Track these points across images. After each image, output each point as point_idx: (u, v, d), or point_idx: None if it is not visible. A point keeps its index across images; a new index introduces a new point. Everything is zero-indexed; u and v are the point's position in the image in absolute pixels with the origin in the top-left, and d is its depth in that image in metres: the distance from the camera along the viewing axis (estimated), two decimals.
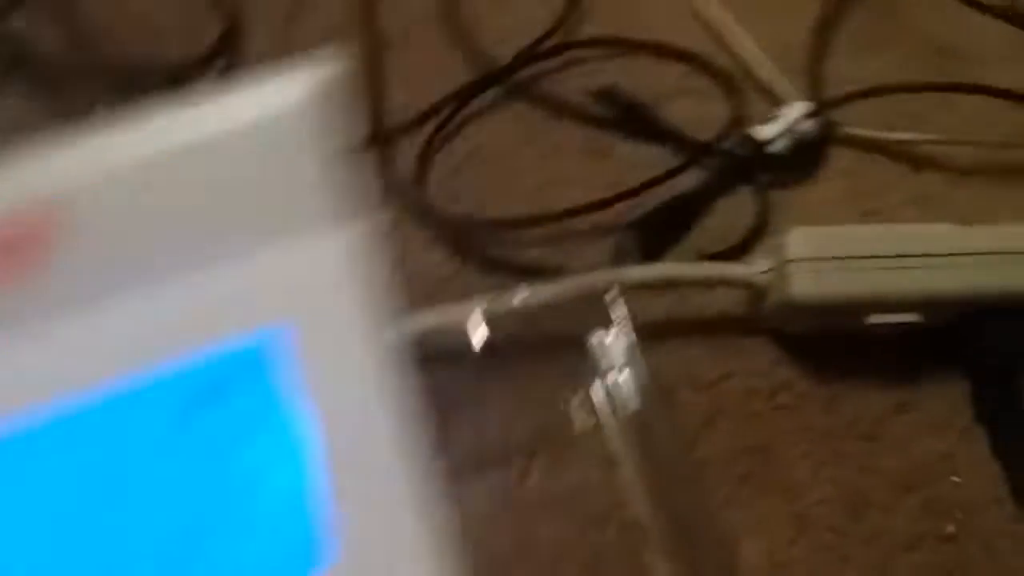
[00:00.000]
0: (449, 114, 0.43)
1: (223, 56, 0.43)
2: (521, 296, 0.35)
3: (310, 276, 0.17)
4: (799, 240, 0.36)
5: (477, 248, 0.41)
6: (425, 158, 0.43)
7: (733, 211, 0.43)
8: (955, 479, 0.38)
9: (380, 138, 0.43)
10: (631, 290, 0.39)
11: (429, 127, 0.43)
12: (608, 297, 0.36)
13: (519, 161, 0.44)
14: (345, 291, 0.16)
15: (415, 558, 0.16)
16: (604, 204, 0.42)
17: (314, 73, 0.17)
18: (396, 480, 0.16)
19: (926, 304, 0.36)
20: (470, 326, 0.35)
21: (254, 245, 0.17)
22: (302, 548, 0.16)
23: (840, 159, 0.45)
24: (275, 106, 0.17)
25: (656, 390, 0.35)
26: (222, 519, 0.16)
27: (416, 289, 0.40)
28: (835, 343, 0.39)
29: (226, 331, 0.17)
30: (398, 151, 0.43)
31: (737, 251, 0.42)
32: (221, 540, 0.16)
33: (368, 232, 0.17)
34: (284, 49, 0.44)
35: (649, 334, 0.39)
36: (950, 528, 0.37)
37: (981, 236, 0.37)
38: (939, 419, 0.39)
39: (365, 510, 0.16)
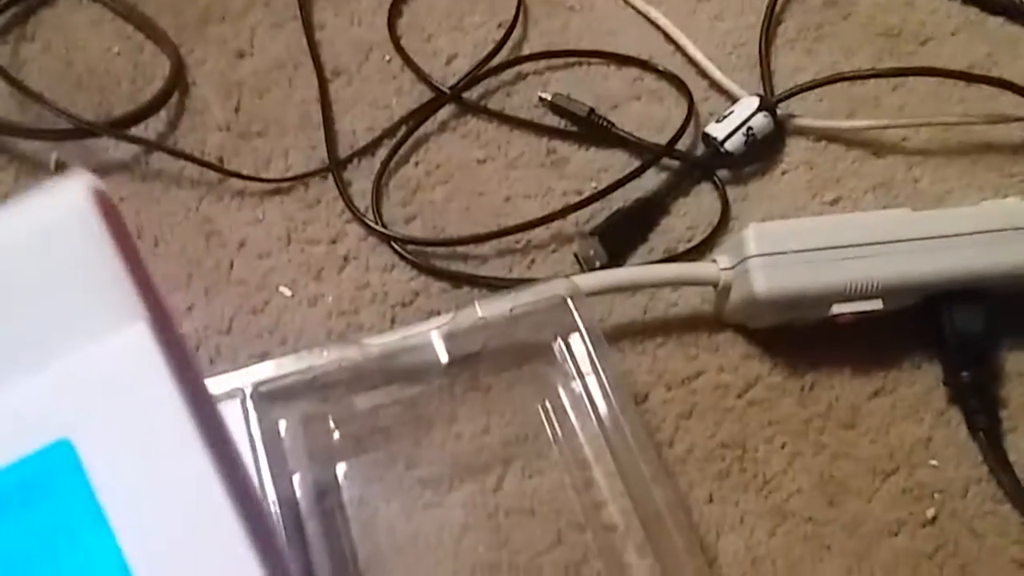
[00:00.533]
0: (403, 136, 0.44)
1: (171, 98, 0.43)
2: (485, 311, 0.35)
3: (94, 384, 0.17)
4: (757, 236, 0.36)
5: (439, 266, 0.41)
6: (381, 181, 0.43)
7: (695, 210, 0.43)
8: (933, 463, 0.38)
9: (335, 166, 0.43)
10: (598, 294, 0.39)
11: (383, 151, 0.43)
12: (573, 303, 0.36)
13: (477, 178, 0.44)
14: (132, 394, 0.16)
15: None
16: (563, 213, 0.42)
17: (73, 190, 0.17)
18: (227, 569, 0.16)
19: (887, 290, 0.36)
20: (436, 342, 0.35)
21: (32, 360, 0.17)
22: None
23: (798, 150, 0.45)
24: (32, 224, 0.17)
25: (626, 392, 0.35)
26: None
27: (380, 310, 0.40)
28: (805, 335, 0.39)
29: (14, 445, 0.17)
30: (354, 177, 0.43)
31: (702, 250, 0.42)
32: None
33: (146, 333, 0.17)
34: (230, 89, 0.45)
35: (619, 335, 0.40)
36: (930, 512, 0.37)
37: (937, 220, 0.37)
38: (914, 403, 0.39)
39: None
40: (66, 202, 0.17)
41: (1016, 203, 0.38)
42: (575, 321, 0.35)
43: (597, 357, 0.35)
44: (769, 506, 0.36)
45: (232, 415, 0.31)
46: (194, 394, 0.17)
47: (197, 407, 0.17)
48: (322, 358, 0.33)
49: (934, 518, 0.36)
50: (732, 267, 0.37)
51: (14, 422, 0.16)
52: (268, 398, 0.34)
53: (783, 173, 0.45)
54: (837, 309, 0.36)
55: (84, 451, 0.16)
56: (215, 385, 0.32)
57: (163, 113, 0.43)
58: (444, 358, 0.35)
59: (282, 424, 0.34)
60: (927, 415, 0.38)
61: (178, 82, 0.44)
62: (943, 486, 0.37)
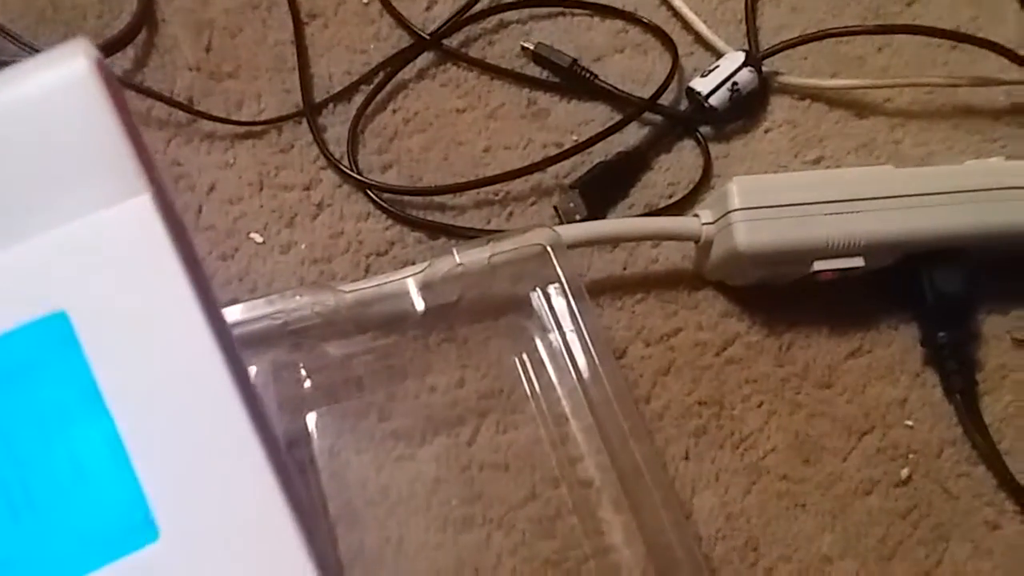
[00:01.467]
0: (380, 83, 0.42)
1: (139, 34, 0.41)
2: (463, 258, 0.34)
3: (94, 256, 0.16)
4: (741, 190, 0.36)
5: (416, 216, 0.40)
6: (357, 128, 0.42)
7: (677, 166, 0.43)
8: (908, 423, 0.38)
9: (309, 110, 0.41)
10: (578, 248, 0.38)
11: (360, 97, 0.42)
12: (553, 254, 0.35)
13: (456, 127, 0.43)
14: (134, 268, 0.16)
15: (244, 537, 0.15)
16: (544, 165, 0.41)
17: (73, 55, 0.16)
18: (218, 457, 0.15)
19: (869, 247, 0.36)
20: (412, 290, 0.35)
21: (29, 226, 0.16)
22: (119, 528, 0.15)
23: (781, 109, 0.44)
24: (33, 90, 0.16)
25: (606, 345, 0.35)
26: (34, 498, 0.15)
27: (355, 259, 0.39)
28: (783, 294, 0.39)
29: (14, 313, 0.16)
30: (329, 123, 0.42)
31: (683, 206, 0.41)
32: (34, 517, 0.15)
33: (149, 206, 0.16)
34: (201, 28, 0.43)
35: (598, 291, 0.39)
36: (905, 471, 0.37)
37: (921, 178, 0.37)
38: (891, 364, 0.39)
39: (183, 489, 0.15)
40: (67, 67, 0.16)
41: (1000, 163, 0.38)
42: (555, 272, 0.35)
43: (578, 310, 0.34)
44: (744, 464, 0.36)
45: None
46: (196, 276, 0.16)
47: (200, 287, 0.16)
48: (294, 302, 0.32)
49: (908, 478, 0.36)
50: (714, 222, 0.37)
51: (7, 290, 0.15)
52: (238, 344, 0.33)
53: (766, 131, 0.44)
54: (818, 266, 0.36)
55: (80, 325, 0.15)
56: None
57: (130, 50, 0.42)
58: (420, 306, 0.34)
59: (251, 370, 0.33)
60: (903, 376, 0.38)
61: (146, 18, 0.42)
62: (918, 446, 0.37)
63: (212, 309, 0.16)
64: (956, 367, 0.38)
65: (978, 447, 0.37)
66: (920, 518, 0.36)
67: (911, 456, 0.37)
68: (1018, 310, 0.40)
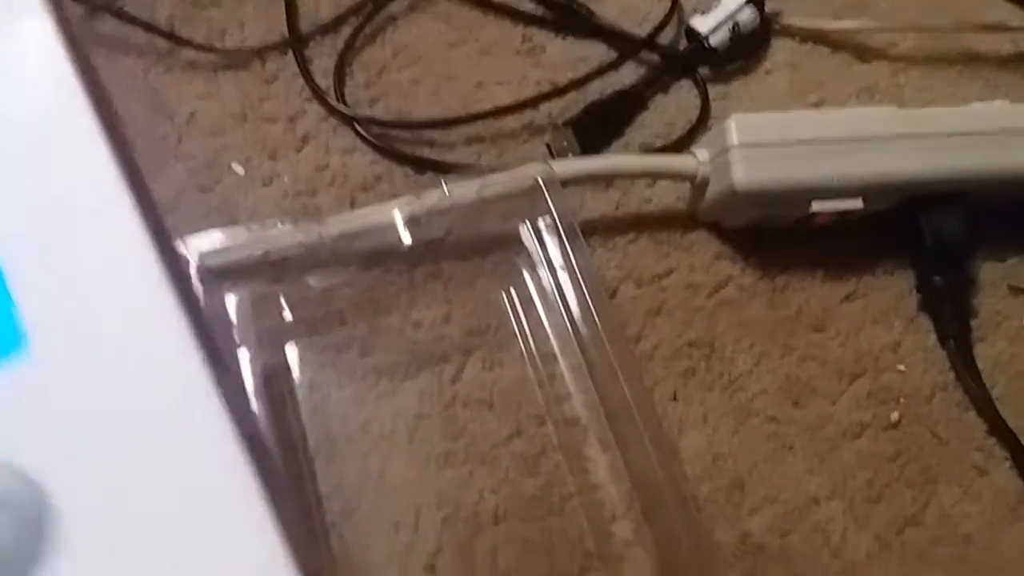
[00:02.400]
0: (369, 14, 0.41)
1: None
2: (453, 192, 0.33)
3: None
4: (740, 127, 0.35)
5: (403, 151, 0.39)
6: (345, 60, 0.40)
7: (673, 106, 0.42)
8: (900, 368, 0.37)
9: (295, 40, 0.40)
10: (570, 187, 0.37)
11: (348, 29, 0.41)
12: (546, 188, 0.34)
13: (448, 62, 0.41)
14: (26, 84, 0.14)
15: (137, 357, 0.14)
16: (537, 101, 0.40)
17: None
18: (112, 272, 0.14)
19: (868, 188, 0.35)
20: (399, 222, 0.34)
21: None
22: None
23: (782, 50, 0.43)
24: None
25: (598, 283, 0.34)
26: None
27: (339, 193, 0.38)
28: (778, 236, 0.38)
29: None
30: (315, 54, 0.41)
31: (679, 147, 0.40)
32: None
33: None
34: None
35: (590, 230, 0.38)
36: (894, 415, 0.36)
37: (924, 118, 0.36)
38: (885, 308, 0.38)
39: (63, 308, 0.14)
40: None
41: (1005, 105, 0.37)
42: (547, 208, 0.34)
43: (570, 246, 0.33)
44: (733, 405, 0.36)
45: None
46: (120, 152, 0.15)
47: (121, 154, 0.15)
48: (276, 231, 0.31)
49: (898, 422, 0.36)
50: (711, 159, 0.36)
51: None
52: (217, 274, 0.32)
53: (766, 73, 0.43)
54: (816, 207, 0.35)
55: None
56: None
57: None
58: (407, 240, 0.34)
59: (230, 300, 0.32)
60: (897, 321, 0.38)
61: None
62: (909, 391, 0.36)
63: (135, 175, 0.15)
64: (951, 312, 0.37)
65: (970, 392, 0.36)
66: (908, 462, 0.35)
67: (902, 400, 0.36)
68: (1015, 258, 0.39)
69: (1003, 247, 0.40)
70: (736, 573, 0.33)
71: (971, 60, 0.44)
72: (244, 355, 0.32)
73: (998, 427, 0.35)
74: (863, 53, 0.44)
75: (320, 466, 0.32)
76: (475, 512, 0.33)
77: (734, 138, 0.35)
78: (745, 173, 0.34)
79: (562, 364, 0.34)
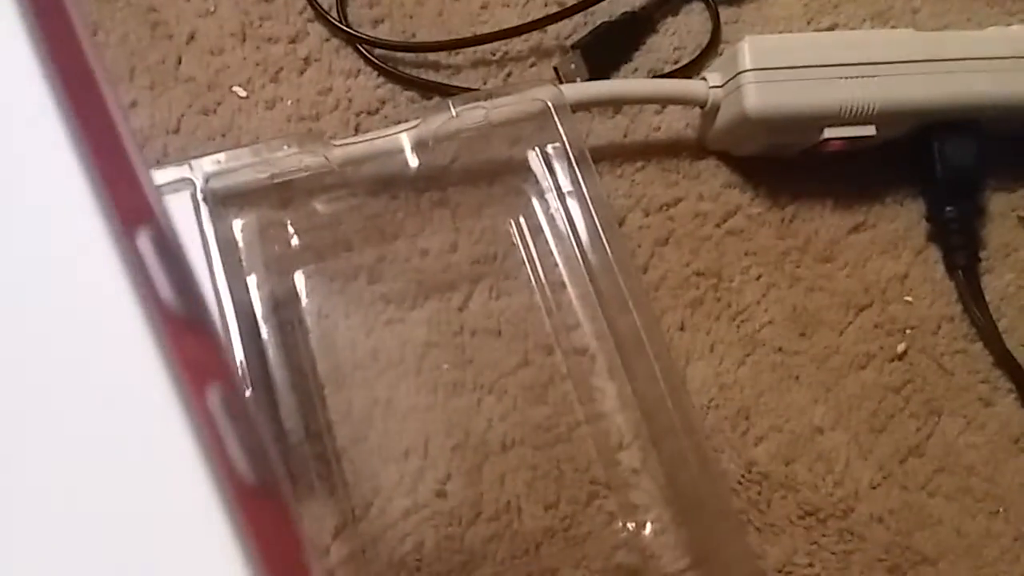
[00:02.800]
0: None
1: None
2: (460, 115, 0.33)
3: None
4: (753, 50, 0.34)
5: (408, 74, 0.38)
6: None
7: (683, 30, 0.40)
8: (908, 299, 0.37)
9: None
10: (577, 114, 0.36)
11: None
12: (555, 112, 0.33)
13: None
14: None
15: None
16: (544, 23, 0.38)
17: None
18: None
19: (882, 115, 0.34)
20: (406, 145, 0.33)
21: None
22: None
23: None
24: None
25: (608, 210, 0.33)
26: None
27: (344, 117, 0.37)
28: (788, 165, 0.38)
29: None
30: None
31: (689, 71, 0.39)
32: None
33: None
34: None
35: (597, 157, 0.37)
36: (901, 346, 0.36)
37: (941, 42, 0.35)
38: (894, 239, 0.38)
39: None
40: None
41: (1022, 31, 0.36)
42: (556, 134, 0.33)
43: (580, 172, 0.33)
44: (740, 335, 0.36)
45: (181, 210, 0.29)
46: None
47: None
48: (283, 153, 0.30)
49: (904, 353, 0.36)
50: (723, 84, 0.35)
51: None
52: (222, 200, 0.32)
53: None
54: (829, 133, 0.34)
55: None
56: (161, 176, 0.29)
57: None
58: (414, 163, 0.33)
59: (236, 225, 0.32)
60: (905, 252, 0.38)
61: None
62: (916, 322, 0.36)
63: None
64: (960, 243, 0.37)
65: (977, 324, 0.36)
66: (913, 392, 0.35)
67: (908, 332, 0.36)
68: None
69: (1013, 177, 0.39)
70: (741, 501, 0.33)
71: None
72: (252, 281, 0.31)
73: (1004, 359, 0.35)
74: None
75: (329, 393, 0.32)
76: (483, 440, 0.33)
77: (747, 61, 0.34)
78: (758, 98, 0.34)
79: (571, 292, 0.34)
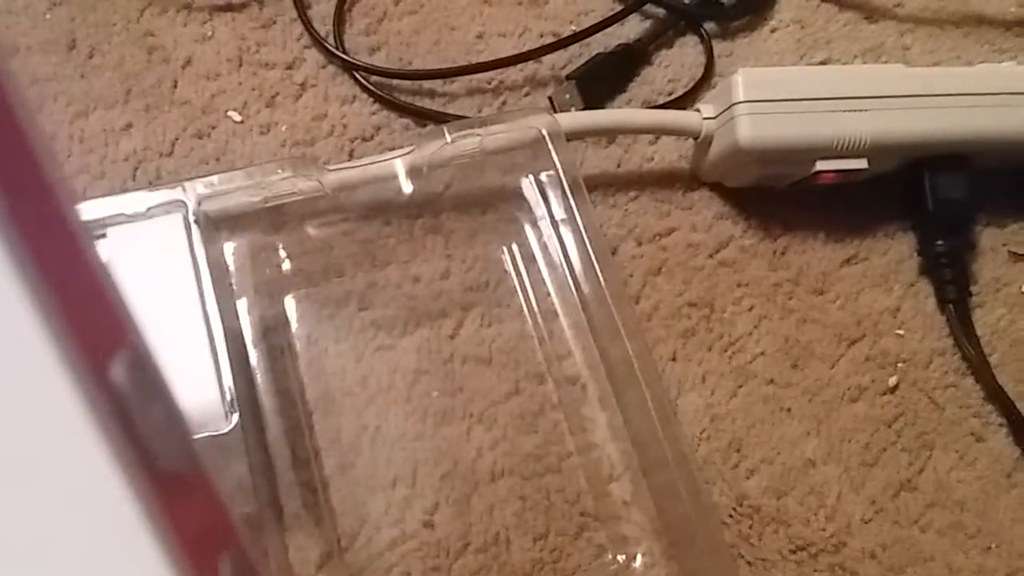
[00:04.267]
0: None
1: None
2: (454, 142, 0.33)
3: None
4: (747, 82, 0.34)
5: (404, 101, 0.38)
6: (344, 7, 0.39)
7: (677, 63, 0.41)
8: (899, 332, 0.37)
9: None
10: (572, 141, 0.36)
11: None
12: (550, 139, 0.33)
13: (449, 11, 0.40)
14: None
15: None
16: (539, 53, 0.39)
17: None
18: None
19: (874, 148, 0.34)
20: (400, 171, 0.33)
21: None
22: None
23: (789, 8, 0.42)
24: None
25: (602, 238, 0.33)
26: None
27: (339, 143, 0.37)
28: (781, 197, 0.38)
29: None
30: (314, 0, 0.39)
31: (683, 103, 0.40)
32: None
33: None
34: None
35: (591, 187, 0.37)
36: (893, 380, 0.36)
37: (932, 78, 0.36)
38: (885, 272, 0.38)
39: None
40: None
41: (1013, 68, 0.37)
42: (550, 161, 0.33)
43: (574, 201, 0.33)
44: (732, 367, 0.36)
45: (172, 232, 0.29)
46: None
47: None
48: (276, 176, 0.30)
49: (896, 386, 0.36)
50: (716, 116, 0.35)
51: None
52: (215, 222, 0.32)
53: (772, 31, 0.42)
54: (821, 166, 0.34)
55: None
56: (153, 197, 0.29)
57: None
58: (407, 189, 0.33)
59: (228, 248, 0.32)
60: (897, 285, 0.38)
61: None
62: (907, 356, 0.36)
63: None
64: (951, 277, 0.37)
65: (968, 358, 0.36)
66: (905, 426, 0.35)
67: (900, 365, 0.36)
68: (1016, 223, 0.39)
69: (1003, 212, 0.39)
70: (732, 535, 0.33)
71: (978, 22, 0.43)
72: (243, 305, 0.31)
73: (995, 394, 0.35)
74: (870, 13, 0.43)
75: (317, 419, 0.32)
76: (473, 469, 0.32)
77: (740, 93, 0.34)
78: (751, 130, 0.34)
79: (563, 321, 0.34)
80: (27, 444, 0.10)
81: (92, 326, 0.10)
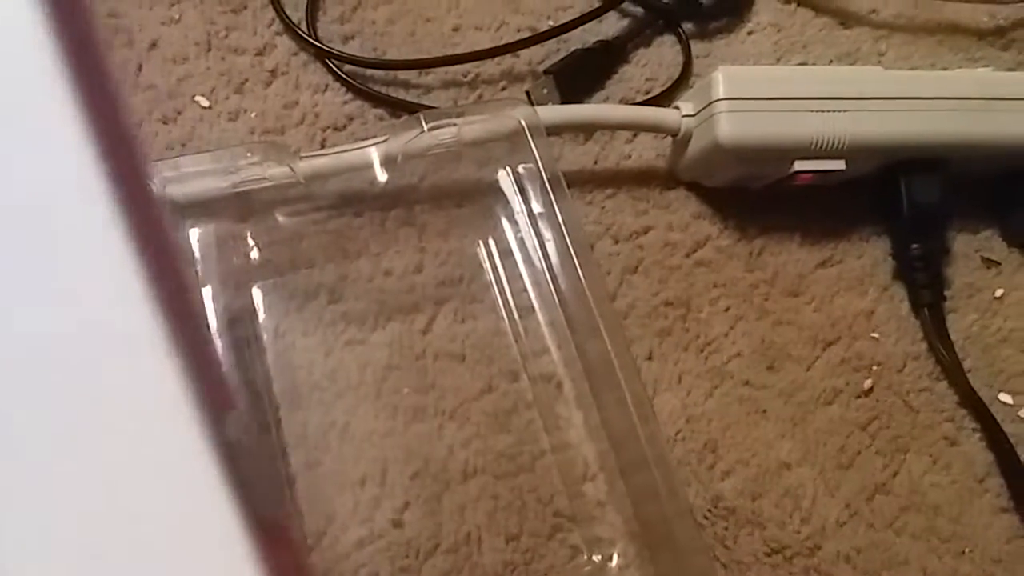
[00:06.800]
0: None
1: None
2: (431, 131, 0.32)
3: None
4: (727, 80, 0.34)
5: (378, 91, 0.37)
6: None
7: (655, 61, 0.40)
8: (874, 335, 0.37)
9: None
10: (555, 132, 0.36)
11: None
12: (529, 131, 0.32)
13: (424, 3, 0.40)
14: None
15: None
16: (517, 47, 0.38)
17: None
18: None
19: (853, 149, 0.34)
20: (374, 160, 0.32)
21: None
22: None
23: (767, 11, 0.42)
24: None
25: (582, 233, 0.33)
26: None
27: (310, 132, 0.36)
28: (758, 198, 0.38)
29: None
30: None
31: (660, 101, 0.39)
32: None
33: None
34: None
35: (568, 184, 0.37)
36: (867, 383, 0.36)
37: (911, 81, 0.36)
38: (860, 275, 0.38)
39: None
40: None
41: (988, 74, 0.37)
42: (529, 152, 0.32)
43: (553, 195, 0.32)
44: (708, 367, 0.35)
45: None
46: None
47: None
48: (245, 160, 0.29)
49: (870, 390, 0.36)
50: (695, 114, 0.35)
51: None
52: (180, 207, 0.30)
53: (749, 33, 0.42)
54: (799, 166, 0.34)
55: None
56: None
57: None
58: (381, 179, 0.32)
59: (193, 234, 0.30)
60: (872, 288, 0.38)
61: None
62: (882, 359, 0.36)
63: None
64: (925, 281, 0.37)
65: (942, 362, 0.36)
66: (879, 429, 0.35)
67: (875, 368, 0.36)
68: (988, 229, 0.40)
69: (976, 218, 0.40)
70: (707, 536, 0.32)
71: (952, 31, 0.44)
72: (207, 293, 0.30)
73: (969, 398, 0.35)
74: (846, 19, 0.43)
75: (284, 414, 0.31)
76: (444, 468, 0.31)
77: (721, 91, 0.34)
78: (730, 128, 0.33)
79: (539, 317, 0.33)
80: (166, 494, 0.12)
81: (214, 390, 0.12)
